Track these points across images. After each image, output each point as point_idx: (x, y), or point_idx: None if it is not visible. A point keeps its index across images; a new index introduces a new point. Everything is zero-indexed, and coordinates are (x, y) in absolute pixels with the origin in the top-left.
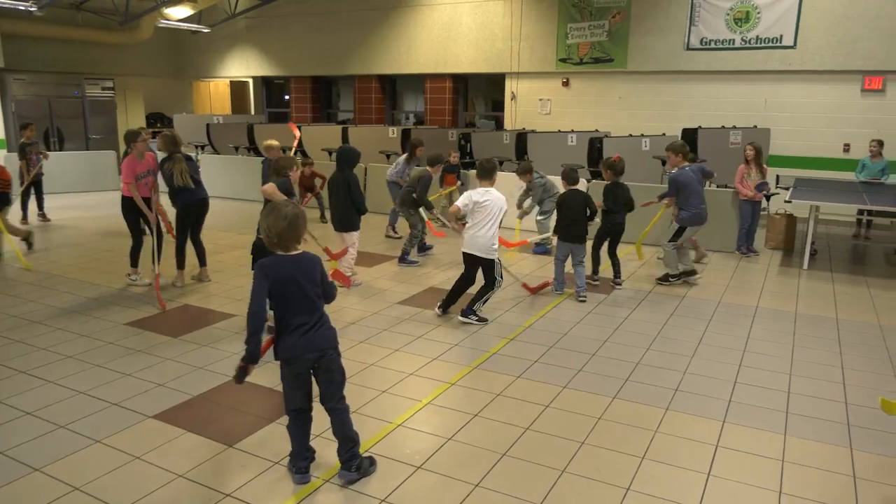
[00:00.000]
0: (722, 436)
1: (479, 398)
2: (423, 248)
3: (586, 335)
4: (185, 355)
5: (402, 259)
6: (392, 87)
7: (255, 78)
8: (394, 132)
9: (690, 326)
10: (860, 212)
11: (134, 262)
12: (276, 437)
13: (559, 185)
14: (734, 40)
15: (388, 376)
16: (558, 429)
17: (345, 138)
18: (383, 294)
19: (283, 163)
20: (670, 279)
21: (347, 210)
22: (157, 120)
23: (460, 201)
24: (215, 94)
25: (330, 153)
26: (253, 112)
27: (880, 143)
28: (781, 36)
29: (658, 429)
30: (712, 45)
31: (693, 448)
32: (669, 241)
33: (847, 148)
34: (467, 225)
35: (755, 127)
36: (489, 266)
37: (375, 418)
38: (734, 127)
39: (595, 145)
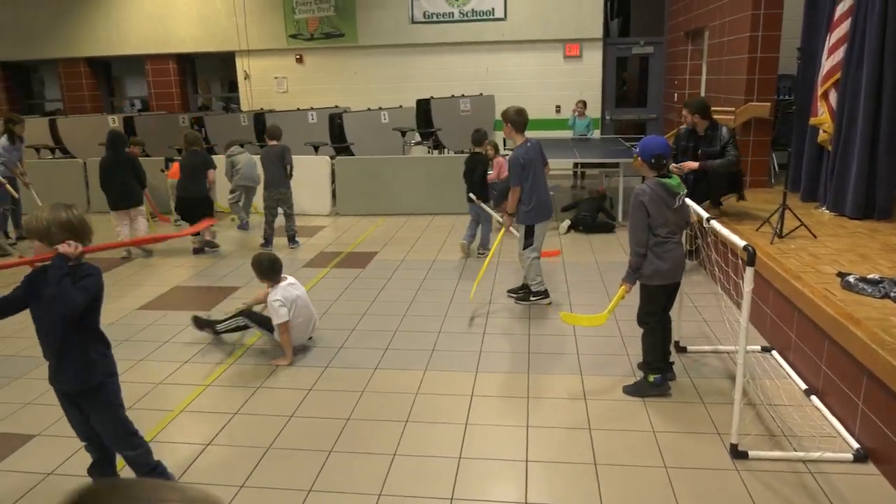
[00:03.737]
0: (476, 386)
1: (239, 395)
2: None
3: (343, 311)
4: None
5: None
6: (107, 71)
7: None
8: (115, 121)
9: (439, 288)
10: (575, 165)
11: None
12: None
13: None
14: (453, 13)
15: (133, 391)
16: (322, 410)
17: (54, 132)
18: (121, 300)
19: None
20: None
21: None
22: None
23: None
24: None
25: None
26: None
27: (584, 104)
28: (493, 9)
29: (419, 391)
30: (434, 19)
31: (451, 402)
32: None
33: (558, 109)
34: None
35: (481, 94)
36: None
37: None
38: (462, 95)
39: (336, 121)
